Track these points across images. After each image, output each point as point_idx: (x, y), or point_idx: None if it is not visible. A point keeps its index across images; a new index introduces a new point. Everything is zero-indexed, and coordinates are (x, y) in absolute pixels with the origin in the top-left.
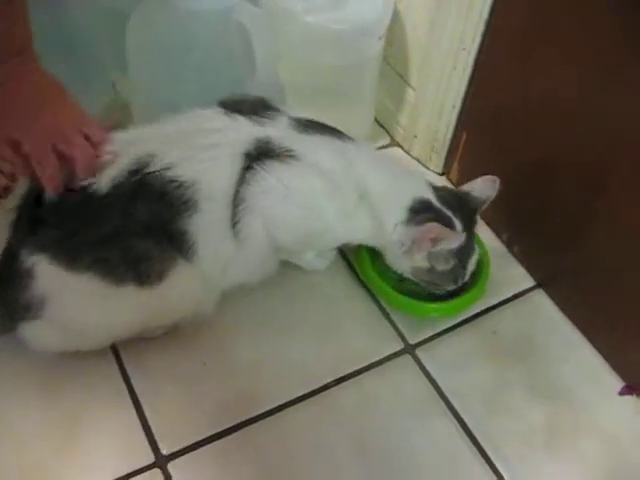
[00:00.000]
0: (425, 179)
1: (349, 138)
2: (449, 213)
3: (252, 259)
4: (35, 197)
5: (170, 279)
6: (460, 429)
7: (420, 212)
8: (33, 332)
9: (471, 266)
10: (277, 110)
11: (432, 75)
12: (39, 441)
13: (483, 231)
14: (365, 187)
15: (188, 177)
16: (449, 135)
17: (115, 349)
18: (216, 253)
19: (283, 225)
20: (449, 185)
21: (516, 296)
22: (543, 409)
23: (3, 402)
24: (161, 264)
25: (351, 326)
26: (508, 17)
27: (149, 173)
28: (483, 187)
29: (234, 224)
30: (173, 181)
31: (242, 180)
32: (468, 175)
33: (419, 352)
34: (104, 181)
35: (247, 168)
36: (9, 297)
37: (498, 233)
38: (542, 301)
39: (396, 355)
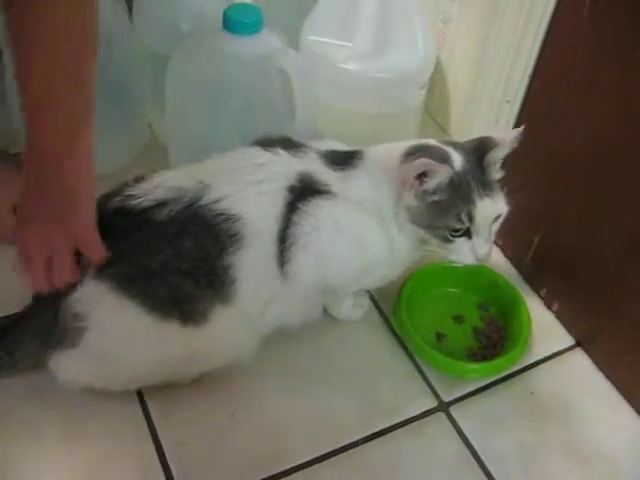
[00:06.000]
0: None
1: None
2: (448, 149)
3: (296, 299)
4: None
5: (211, 322)
6: None
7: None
8: (64, 362)
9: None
10: (303, 145)
11: (473, 127)
12: None
13: (521, 288)
14: None
15: (237, 211)
16: None
17: (141, 396)
18: (258, 291)
19: (337, 262)
20: None
21: (554, 355)
22: (582, 473)
23: (20, 447)
24: (203, 306)
25: (383, 380)
26: (554, 71)
27: (201, 206)
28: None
29: (283, 263)
30: (222, 214)
31: (289, 219)
32: (506, 227)
33: (453, 410)
34: (161, 208)
35: (293, 207)
36: (46, 321)
37: (537, 289)
38: (581, 361)
39: (429, 413)
